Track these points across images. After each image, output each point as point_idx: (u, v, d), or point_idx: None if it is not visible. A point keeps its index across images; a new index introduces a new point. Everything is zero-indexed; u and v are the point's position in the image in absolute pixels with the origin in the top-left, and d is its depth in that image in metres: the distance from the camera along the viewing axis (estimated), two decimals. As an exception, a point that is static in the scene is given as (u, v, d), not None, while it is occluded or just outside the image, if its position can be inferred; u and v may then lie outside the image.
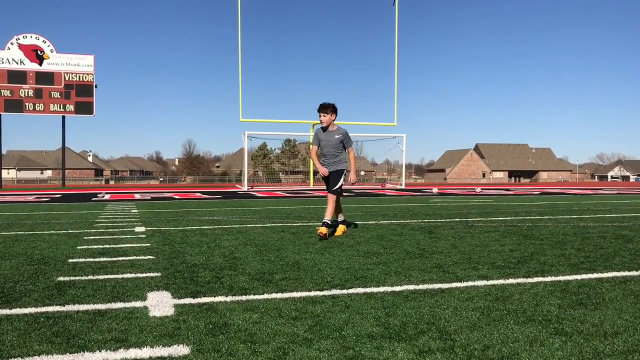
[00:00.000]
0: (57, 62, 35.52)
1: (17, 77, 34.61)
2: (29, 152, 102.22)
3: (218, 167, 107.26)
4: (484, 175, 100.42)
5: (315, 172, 7.05)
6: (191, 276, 4.33)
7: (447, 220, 9.20)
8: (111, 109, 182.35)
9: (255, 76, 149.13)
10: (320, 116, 7.08)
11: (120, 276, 4.34)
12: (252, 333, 2.85)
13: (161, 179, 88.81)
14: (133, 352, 2.56)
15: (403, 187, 32.07)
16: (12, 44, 34.71)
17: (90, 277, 4.32)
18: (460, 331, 2.87)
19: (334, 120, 7.15)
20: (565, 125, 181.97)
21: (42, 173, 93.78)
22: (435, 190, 25.87)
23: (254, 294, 3.71)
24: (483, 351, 2.57)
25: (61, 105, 35.48)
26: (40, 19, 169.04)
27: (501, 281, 4.12)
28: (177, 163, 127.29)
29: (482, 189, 28.26)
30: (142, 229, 7.92)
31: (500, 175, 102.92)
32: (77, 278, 4.27)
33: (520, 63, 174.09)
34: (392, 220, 9.26)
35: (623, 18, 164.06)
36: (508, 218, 9.67)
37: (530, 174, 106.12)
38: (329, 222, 6.89)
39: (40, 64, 35.14)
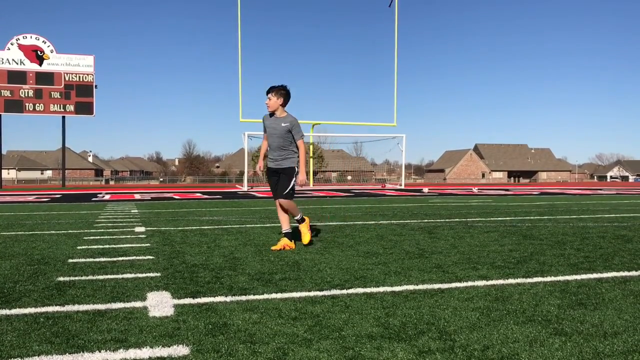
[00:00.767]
0: (57, 62, 35.52)
1: (17, 77, 34.62)
2: (29, 152, 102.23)
3: (218, 167, 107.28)
4: (483, 175, 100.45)
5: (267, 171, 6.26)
6: (191, 276, 4.33)
7: (447, 220, 9.21)
8: (111, 109, 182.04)
9: (255, 76, 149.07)
10: (266, 99, 6.07)
11: (120, 276, 4.34)
12: (252, 333, 2.85)
13: (161, 179, 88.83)
14: (133, 352, 2.56)
15: (403, 187, 32.07)
16: (12, 44, 34.72)
17: (90, 277, 4.32)
18: (460, 331, 2.87)
19: (283, 107, 6.08)
20: (564, 125, 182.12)
21: (42, 173, 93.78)
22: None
23: (254, 294, 3.71)
24: (483, 351, 2.57)
25: (61, 105, 35.48)
26: (40, 19, 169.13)
27: (501, 281, 4.12)
28: (177, 163, 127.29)
29: (479, 189, 28.27)
30: (142, 229, 7.92)
31: (499, 176, 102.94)
32: (77, 278, 4.27)
33: (519, 63, 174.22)
34: (391, 221, 9.26)
35: (623, 18, 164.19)
36: (507, 218, 9.67)
37: (530, 174, 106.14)
38: (289, 231, 6.04)
39: (40, 64, 35.14)
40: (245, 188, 30.27)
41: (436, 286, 3.96)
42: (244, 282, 4.10)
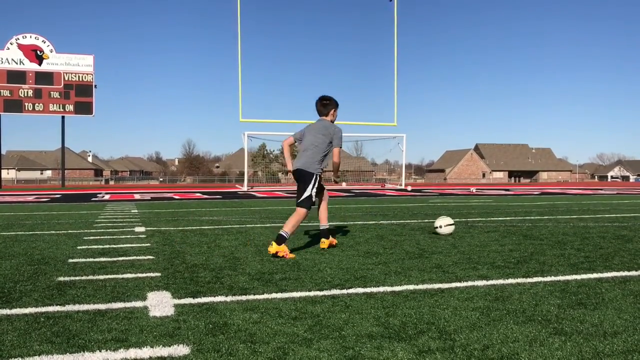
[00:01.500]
0: (56, 62, 35.54)
1: (16, 77, 34.63)
2: (29, 152, 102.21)
3: (218, 167, 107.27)
4: (484, 175, 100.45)
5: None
6: (191, 276, 4.34)
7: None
8: (111, 109, 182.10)
9: (255, 76, 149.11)
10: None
11: (120, 276, 4.34)
12: (252, 333, 2.85)
13: (161, 179, 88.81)
14: (133, 352, 2.56)
15: (403, 187, 32.07)
16: (11, 44, 34.72)
17: (91, 277, 4.32)
18: (460, 331, 2.87)
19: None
20: (565, 125, 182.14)
21: (41, 173, 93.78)
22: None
23: (254, 294, 3.71)
24: (483, 351, 2.57)
25: (61, 105, 35.49)
26: (40, 19, 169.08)
27: (501, 281, 4.12)
28: (176, 163, 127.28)
29: (477, 189, 28.30)
30: (142, 229, 7.93)
31: (500, 176, 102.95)
32: (77, 278, 4.27)
33: (520, 63, 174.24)
34: (392, 221, 9.27)
35: (623, 18, 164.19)
36: (508, 218, 9.67)
37: (530, 174, 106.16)
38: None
39: (40, 64, 35.15)
40: (245, 188, 30.27)
41: (436, 286, 3.96)
42: (244, 282, 4.10)
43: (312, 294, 3.72)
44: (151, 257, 5.33)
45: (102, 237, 6.95)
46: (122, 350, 2.59)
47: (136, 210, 12.04)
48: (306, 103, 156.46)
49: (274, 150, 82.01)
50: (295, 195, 6.14)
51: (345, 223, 8.83)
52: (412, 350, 2.58)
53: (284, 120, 36.23)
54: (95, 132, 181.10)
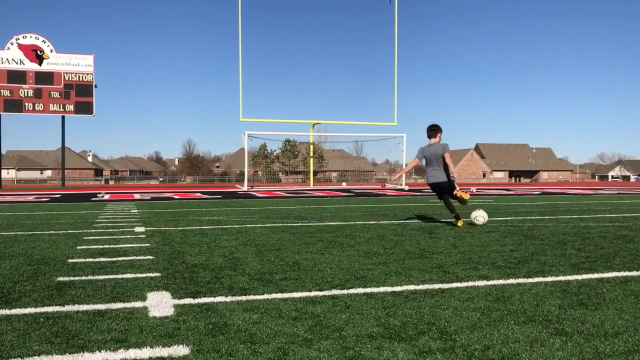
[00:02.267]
0: (56, 62, 35.56)
1: (16, 77, 34.64)
2: (29, 152, 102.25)
3: (218, 167, 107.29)
4: (484, 175, 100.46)
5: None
6: (191, 276, 4.33)
7: (448, 220, 9.20)
8: (111, 108, 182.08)
9: (255, 76, 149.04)
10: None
11: (120, 276, 4.33)
12: (252, 333, 2.84)
13: (161, 179, 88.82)
14: (133, 352, 2.55)
15: (403, 187, 32.06)
16: (11, 43, 34.73)
17: (90, 277, 4.31)
18: (460, 331, 2.86)
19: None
20: (565, 125, 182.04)
21: (41, 173, 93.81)
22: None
23: (254, 294, 3.70)
24: (483, 351, 2.56)
25: (61, 105, 35.50)
26: (40, 19, 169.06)
27: (501, 281, 4.11)
28: (177, 163, 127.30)
29: (477, 189, 28.30)
30: (142, 229, 7.92)
31: (500, 175, 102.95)
32: (76, 278, 4.27)
33: (520, 63, 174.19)
34: (392, 220, 9.26)
35: (623, 18, 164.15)
36: (508, 218, 9.67)
37: (531, 174, 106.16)
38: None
39: (40, 64, 35.17)
40: (245, 188, 30.27)
41: (437, 286, 3.95)
42: (244, 282, 4.09)
43: (312, 294, 3.71)
44: (151, 257, 5.32)
45: (101, 237, 6.94)
46: (121, 350, 2.58)
47: (136, 210, 12.03)
48: (307, 103, 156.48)
49: (274, 150, 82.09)
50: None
51: (346, 223, 8.83)
52: (413, 350, 2.58)
53: (284, 120, 36.35)
54: (96, 132, 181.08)
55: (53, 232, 7.62)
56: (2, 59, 34.38)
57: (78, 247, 5.98)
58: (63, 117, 35.89)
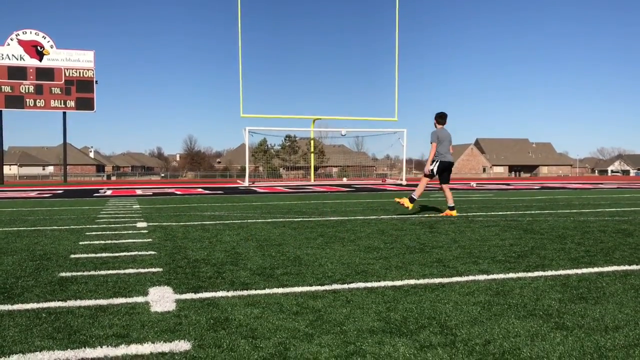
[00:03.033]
0: (57, 57, 35.48)
1: (17, 73, 34.58)
2: (31, 148, 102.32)
3: (219, 162, 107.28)
4: (484, 170, 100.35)
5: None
6: (193, 271, 4.34)
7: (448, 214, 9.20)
8: (112, 104, 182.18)
9: (256, 72, 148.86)
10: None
11: (122, 271, 4.34)
12: (254, 328, 2.85)
13: (162, 175, 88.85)
14: (134, 347, 2.56)
15: (404, 182, 32.04)
16: (11, 39, 34.66)
17: (92, 272, 4.33)
18: (461, 326, 2.87)
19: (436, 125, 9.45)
20: (565, 119, 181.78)
21: (43, 169, 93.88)
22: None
23: (255, 289, 3.71)
24: (484, 346, 2.57)
25: (62, 101, 35.46)
26: (40, 15, 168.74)
27: (502, 275, 4.12)
28: (178, 159, 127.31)
29: (477, 183, 28.30)
30: (144, 224, 7.93)
31: (500, 170, 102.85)
32: (79, 273, 4.28)
33: (520, 57, 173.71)
34: (392, 215, 9.27)
35: (624, 12, 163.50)
36: (508, 212, 9.67)
37: (531, 168, 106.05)
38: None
39: (41, 60, 35.10)
40: (246, 183, 30.28)
41: (437, 280, 3.96)
42: (245, 277, 4.10)
43: (313, 289, 3.72)
44: (153, 252, 5.34)
45: (104, 232, 6.95)
46: (123, 345, 2.59)
47: (138, 206, 12.05)
48: (307, 98, 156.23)
49: (274, 145, 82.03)
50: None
51: (346, 218, 8.84)
52: (414, 345, 2.59)
53: (284, 116, 36.31)
54: (97, 128, 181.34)
55: (55, 227, 7.64)
56: (3, 54, 34.32)
57: (80, 243, 6.00)
58: (64, 113, 35.86)
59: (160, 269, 4.44)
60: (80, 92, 35.76)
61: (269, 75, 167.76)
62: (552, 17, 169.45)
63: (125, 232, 7.02)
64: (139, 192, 20.27)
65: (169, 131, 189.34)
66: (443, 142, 9.22)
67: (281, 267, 4.52)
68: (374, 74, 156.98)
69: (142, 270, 4.39)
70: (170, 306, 3.28)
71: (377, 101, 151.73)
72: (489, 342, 2.61)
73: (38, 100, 34.91)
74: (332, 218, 8.85)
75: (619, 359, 2.40)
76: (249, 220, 8.50)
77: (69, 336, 2.74)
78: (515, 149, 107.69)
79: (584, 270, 4.31)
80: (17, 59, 34.59)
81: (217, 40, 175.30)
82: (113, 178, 79.73)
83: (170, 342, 2.64)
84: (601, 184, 29.20)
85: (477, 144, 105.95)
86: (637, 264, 4.57)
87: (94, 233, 6.89)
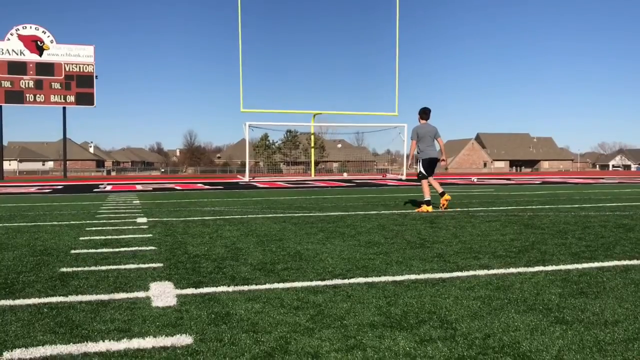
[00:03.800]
0: (57, 52, 35.43)
1: (17, 68, 34.54)
2: (30, 143, 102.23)
3: (219, 157, 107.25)
4: (485, 164, 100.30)
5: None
6: (193, 266, 4.35)
7: (448, 209, 9.21)
8: (112, 99, 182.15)
9: (256, 67, 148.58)
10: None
11: (122, 267, 4.35)
12: (254, 323, 2.86)
13: (162, 170, 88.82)
14: (136, 342, 2.58)
15: (404, 177, 32.05)
16: (11, 34, 34.60)
17: (93, 267, 4.34)
18: (461, 320, 2.88)
19: (420, 119, 9.67)
20: (566, 114, 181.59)
21: (43, 164, 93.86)
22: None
23: (256, 284, 3.72)
24: (484, 340, 2.58)
25: (62, 96, 35.44)
26: (40, 9, 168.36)
27: (502, 270, 4.13)
28: (178, 154, 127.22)
29: (478, 178, 28.32)
30: (144, 219, 7.94)
31: (501, 165, 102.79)
32: (79, 269, 4.29)
33: (521, 52, 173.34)
34: (393, 210, 9.27)
35: (626, 5, 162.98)
36: (509, 207, 9.67)
37: (532, 163, 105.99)
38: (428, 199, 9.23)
39: (40, 55, 35.05)
40: (246, 178, 30.28)
41: (437, 275, 3.97)
42: (246, 272, 4.11)
43: (313, 283, 3.73)
44: (153, 247, 5.34)
45: (104, 228, 6.96)
46: (125, 340, 2.60)
47: (138, 201, 12.05)
48: (307, 93, 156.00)
49: (276, 141, 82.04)
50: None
51: (347, 213, 8.84)
52: (414, 339, 2.60)
53: (285, 111, 36.21)
54: (97, 123, 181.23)
55: (55, 223, 7.65)
56: (2, 49, 34.27)
57: (81, 238, 6.00)
58: (64, 108, 35.85)
59: (161, 264, 4.45)
60: (80, 87, 35.73)
61: (269, 69, 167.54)
62: (554, 11, 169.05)
63: (126, 227, 7.03)
64: (139, 187, 20.28)
65: (168, 126, 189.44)
66: (423, 137, 9.44)
67: (282, 262, 4.53)
68: (374, 68, 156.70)
69: (143, 266, 4.40)
70: (172, 301, 3.29)
71: (377, 96, 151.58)
72: (488, 336, 2.62)
73: (38, 96, 34.88)
74: (332, 213, 8.85)
75: (617, 353, 2.41)
76: (249, 216, 8.51)
77: (71, 331, 2.75)
78: (516, 143, 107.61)
79: (585, 265, 4.32)
80: (17, 54, 34.54)
81: (217, 35, 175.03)
82: (113, 173, 79.74)
83: (172, 336, 2.65)
84: (602, 178, 29.19)
85: (478, 138, 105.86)
86: (637, 259, 4.58)
87: (94, 228, 6.90)
